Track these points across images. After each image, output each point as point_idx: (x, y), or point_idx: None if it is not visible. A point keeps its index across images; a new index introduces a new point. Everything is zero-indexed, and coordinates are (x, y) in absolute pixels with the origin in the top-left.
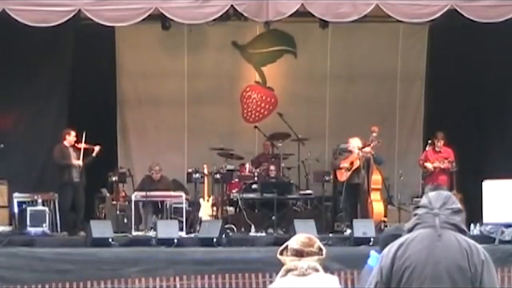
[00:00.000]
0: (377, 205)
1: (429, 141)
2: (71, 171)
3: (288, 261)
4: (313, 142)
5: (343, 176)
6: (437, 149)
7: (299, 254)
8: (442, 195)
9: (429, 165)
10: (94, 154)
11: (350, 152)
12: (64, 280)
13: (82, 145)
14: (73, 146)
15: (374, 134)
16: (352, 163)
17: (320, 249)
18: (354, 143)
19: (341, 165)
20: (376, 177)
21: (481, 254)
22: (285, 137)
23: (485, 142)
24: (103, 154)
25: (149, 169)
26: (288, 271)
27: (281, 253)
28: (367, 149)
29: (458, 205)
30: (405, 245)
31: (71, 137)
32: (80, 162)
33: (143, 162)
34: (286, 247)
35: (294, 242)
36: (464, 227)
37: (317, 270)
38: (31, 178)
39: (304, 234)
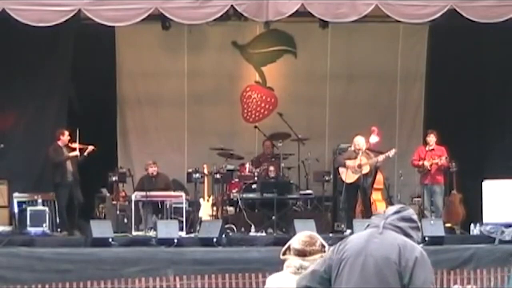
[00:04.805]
0: (380, 205)
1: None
2: (64, 171)
3: (291, 260)
4: (313, 142)
5: (348, 177)
6: (428, 147)
7: (301, 254)
8: (401, 207)
9: (426, 162)
10: (85, 153)
11: (354, 151)
12: (64, 280)
13: (77, 145)
14: (66, 145)
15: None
16: (360, 166)
17: (323, 246)
18: (361, 141)
19: (347, 164)
20: (378, 177)
21: (416, 252)
22: (285, 137)
23: (485, 142)
24: (103, 154)
25: (145, 168)
26: (287, 267)
27: (284, 253)
28: (381, 157)
29: (415, 220)
30: (348, 241)
31: (65, 137)
32: (77, 153)
33: (143, 162)
34: (289, 247)
35: (296, 242)
36: (412, 233)
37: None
38: (31, 178)
39: (305, 232)
